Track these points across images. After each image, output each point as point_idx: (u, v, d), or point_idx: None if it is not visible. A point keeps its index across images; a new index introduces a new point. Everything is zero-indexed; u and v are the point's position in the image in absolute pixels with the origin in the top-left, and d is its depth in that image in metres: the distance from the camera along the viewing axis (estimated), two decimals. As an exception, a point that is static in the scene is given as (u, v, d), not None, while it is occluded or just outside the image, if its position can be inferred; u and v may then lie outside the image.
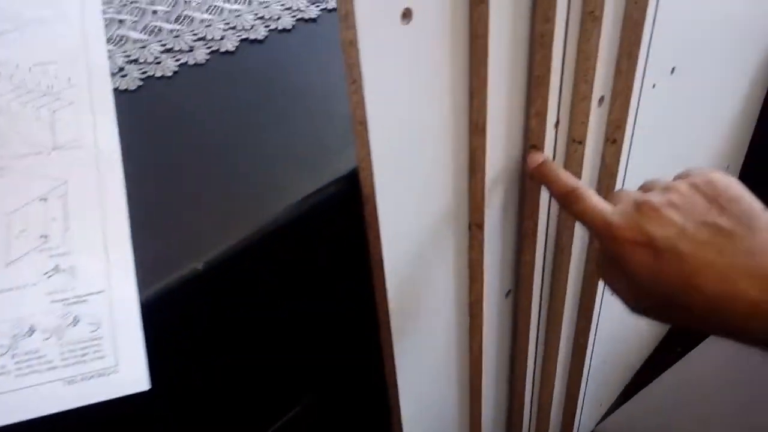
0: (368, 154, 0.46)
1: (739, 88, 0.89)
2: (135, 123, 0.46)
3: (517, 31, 0.50)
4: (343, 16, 0.39)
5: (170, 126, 0.49)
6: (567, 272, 0.71)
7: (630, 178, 0.66)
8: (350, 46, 0.41)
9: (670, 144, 0.73)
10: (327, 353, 0.60)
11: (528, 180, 0.60)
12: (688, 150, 0.81)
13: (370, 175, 0.47)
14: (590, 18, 0.50)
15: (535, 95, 0.54)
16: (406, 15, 0.42)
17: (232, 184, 0.45)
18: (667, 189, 0.38)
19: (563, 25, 0.50)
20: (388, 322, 0.58)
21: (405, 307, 0.58)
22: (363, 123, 0.45)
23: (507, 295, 0.72)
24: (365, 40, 0.41)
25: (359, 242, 0.52)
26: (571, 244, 0.68)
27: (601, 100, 0.57)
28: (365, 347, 0.60)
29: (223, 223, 0.42)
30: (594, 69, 0.54)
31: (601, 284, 0.78)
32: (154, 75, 0.53)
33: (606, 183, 0.64)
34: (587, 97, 0.56)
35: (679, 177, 0.41)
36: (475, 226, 0.61)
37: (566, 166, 0.61)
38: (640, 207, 0.38)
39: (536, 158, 0.50)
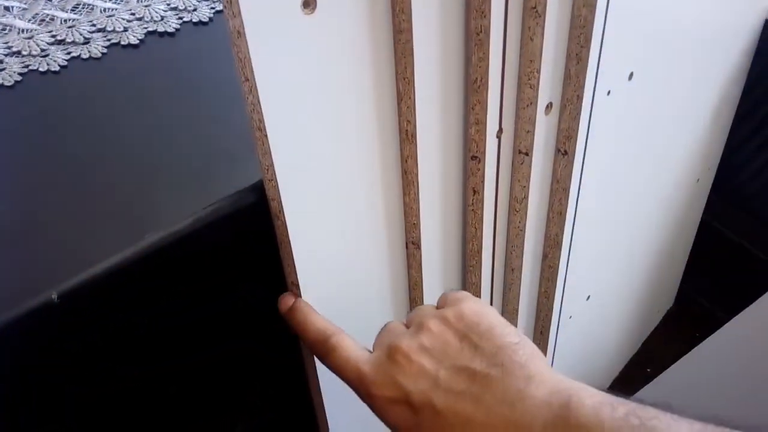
0: (271, 164, 0.40)
1: (708, 96, 0.84)
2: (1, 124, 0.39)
3: (448, 27, 0.44)
4: (226, 2, 0.33)
5: (43, 129, 0.42)
6: (518, 293, 0.65)
7: (585, 196, 0.61)
8: (238, 37, 0.35)
9: (629, 156, 0.68)
10: (248, 383, 0.53)
11: (470, 194, 0.54)
12: (651, 163, 0.76)
13: (276, 187, 0.41)
14: (532, 14, 0.45)
15: (473, 101, 0.48)
16: (309, 3, 0.36)
17: (107, 200, 0.38)
18: (419, 328, 0.36)
19: (502, 20, 0.44)
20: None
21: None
22: (261, 128, 0.38)
23: (453, 317, 0.65)
24: (256, 31, 0.34)
25: (273, 263, 0.46)
26: (521, 264, 0.62)
27: (549, 107, 0.51)
28: (291, 378, 0.54)
29: (94, 245, 0.36)
30: (539, 72, 0.48)
31: (557, 304, 0.72)
32: (38, 69, 0.46)
33: (558, 198, 0.59)
34: (533, 104, 0.50)
35: (439, 303, 0.39)
36: (411, 244, 0.55)
37: (512, 180, 0.55)
38: (392, 355, 0.35)
39: (287, 301, 0.44)
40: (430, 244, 0.56)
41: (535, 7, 0.45)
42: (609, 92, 0.55)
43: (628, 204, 0.76)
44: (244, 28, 0.34)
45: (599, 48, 0.51)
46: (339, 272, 0.50)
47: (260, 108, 0.37)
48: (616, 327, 0.99)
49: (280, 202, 0.42)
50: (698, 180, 0.96)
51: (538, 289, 0.68)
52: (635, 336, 1.17)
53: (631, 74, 0.57)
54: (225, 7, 0.33)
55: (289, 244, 0.44)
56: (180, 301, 0.42)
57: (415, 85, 0.44)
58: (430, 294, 0.60)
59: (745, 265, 1.19)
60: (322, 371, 0.53)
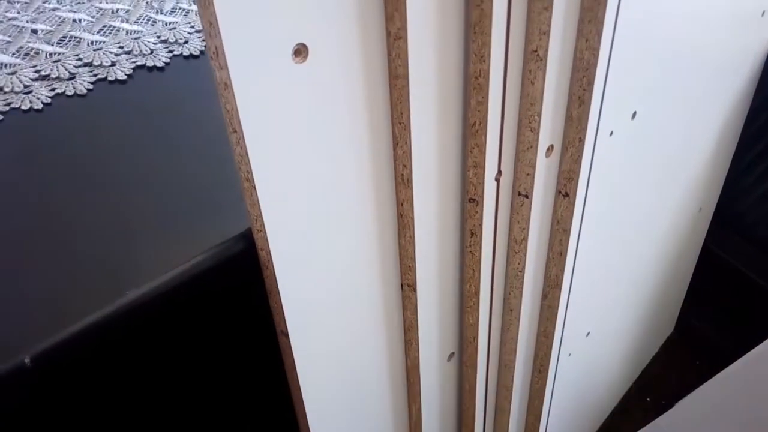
0: (260, 215, 0.38)
1: (712, 128, 0.82)
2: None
3: (445, 71, 0.42)
4: (212, 54, 0.32)
5: (20, 172, 0.41)
6: (516, 333, 0.63)
7: (585, 236, 0.59)
8: (225, 89, 0.33)
9: (632, 194, 0.67)
10: None
11: (467, 236, 0.53)
12: (654, 197, 0.75)
13: (265, 238, 0.39)
14: (533, 57, 0.43)
15: (471, 145, 0.46)
16: (300, 52, 0.35)
17: (86, 252, 0.37)
18: None
19: (501, 64, 0.43)
20: (300, 397, 0.50)
21: (320, 382, 0.50)
22: (249, 180, 0.37)
23: (449, 358, 0.64)
24: (243, 83, 0.33)
25: (263, 312, 0.44)
26: (520, 304, 0.60)
27: (550, 149, 0.50)
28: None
29: (70, 302, 0.34)
30: (540, 115, 0.46)
31: (557, 342, 0.70)
32: (20, 107, 0.45)
33: (558, 239, 0.57)
34: (533, 147, 0.48)
35: None
36: (407, 287, 0.53)
37: (511, 222, 0.54)
38: None
39: None
40: (426, 285, 0.54)
41: (536, 51, 0.43)
42: (612, 133, 0.53)
43: (630, 239, 0.75)
44: (230, 80, 0.32)
45: (602, 89, 0.50)
46: (331, 318, 0.48)
47: (248, 160, 0.36)
48: (616, 359, 0.98)
49: (269, 252, 0.40)
50: (701, 209, 0.95)
51: (537, 329, 0.66)
52: (635, 365, 1.15)
53: (635, 114, 0.56)
54: (211, 58, 0.32)
55: (278, 293, 0.43)
56: (165, 358, 0.40)
57: (411, 130, 0.43)
58: (426, 336, 0.58)
59: (747, 292, 1.18)
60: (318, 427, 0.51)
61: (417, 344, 0.57)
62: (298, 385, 0.49)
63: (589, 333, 0.77)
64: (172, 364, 0.40)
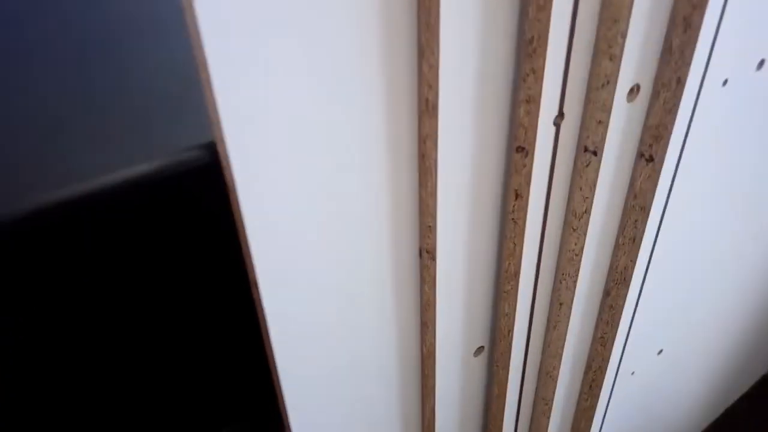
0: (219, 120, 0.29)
1: None
2: None
3: None
4: None
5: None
6: (564, 334, 0.51)
7: (670, 220, 0.46)
8: None
9: (742, 173, 0.52)
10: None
11: (510, 198, 0.41)
12: (762, 186, 0.59)
13: (227, 156, 0.30)
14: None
15: (525, 70, 0.35)
16: None
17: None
18: None
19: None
20: (277, 378, 0.41)
21: (303, 360, 0.41)
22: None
23: (477, 352, 0.52)
24: None
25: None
26: (573, 298, 0.48)
27: (635, 91, 0.38)
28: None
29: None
30: (624, 37, 0.34)
31: (617, 355, 0.57)
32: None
33: (633, 219, 0.44)
34: (610, 83, 0.36)
35: None
36: (425, 253, 0.43)
37: (572, 187, 0.42)
38: None
39: None
40: (450, 254, 0.43)
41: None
42: (726, 81, 0.40)
43: (727, 238, 0.59)
44: None
45: (718, 19, 0.36)
46: (318, 278, 0.39)
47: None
48: (693, 389, 0.82)
49: (231, 174, 0.31)
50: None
51: (592, 334, 0.53)
52: (716, 401, 0.97)
53: (762, 62, 0.42)
54: None
55: (244, 229, 0.33)
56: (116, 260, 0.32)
57: (441, 37, 0.32)
58: (447, 319, 0.48)
59: None
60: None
61: (434, 328, 0.47)
62: (274, 359, 0.40)
63: (661, 351, 0.63)
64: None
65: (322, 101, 0.32)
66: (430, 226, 0.42)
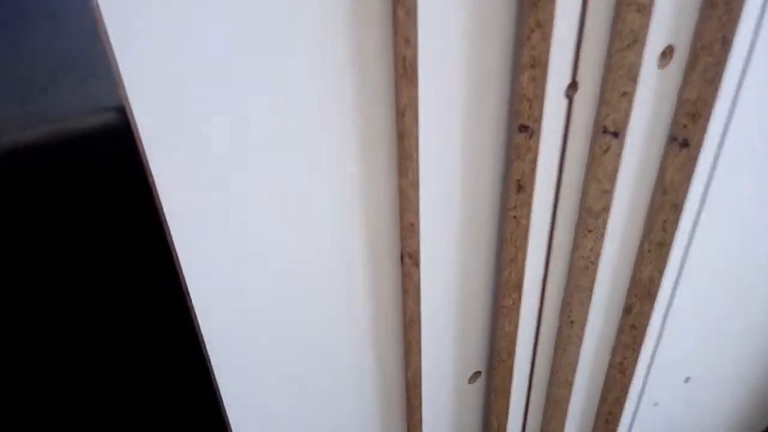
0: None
1: None
2: None
3: None
4: None
5: None
6: (576, 358, 0.43)
7: (707, 219, 0.38)
8: None
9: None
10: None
11: (511, 190, 0.34)
12: None
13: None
14: None
15: (530, 24, 0.28)
16: None
17: None
18: None
19: None
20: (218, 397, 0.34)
21: (248, 384, 0.33)
22: None
23: (473, 378, 0.44)
24: None
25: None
26: (587, 315, 0.40)
27: (668, 53, 0.30)
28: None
29: None
30: None
31: (638, 383, 0.49)
32: None
33: (662, 218, 0.36)
34: (638, 42, 0.29)
35: None
36: (407, 258, 0.35)
37: (587, 176, 0.34)
38: None
39: None
40: (437, 261, 0.36)
41: None
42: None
43: (755, 242, 0.51)
44: None
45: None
46: (269, 293, 0.31)
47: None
48: (722, 423, 0.73)
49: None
50: None
51: (610, 358, 0.45)
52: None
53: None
54: None
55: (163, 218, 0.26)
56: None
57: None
58: (435, 338, 0.40)
59: None
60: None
61: (419, 350, 0.39)
62: (218, 388, 0.32)
63: (689, 379, 0.54)
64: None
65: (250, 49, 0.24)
66: (412, 225, 0.34)
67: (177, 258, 0.28)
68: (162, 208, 0.26)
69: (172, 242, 0.27)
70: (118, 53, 0.22)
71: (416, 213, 0.33)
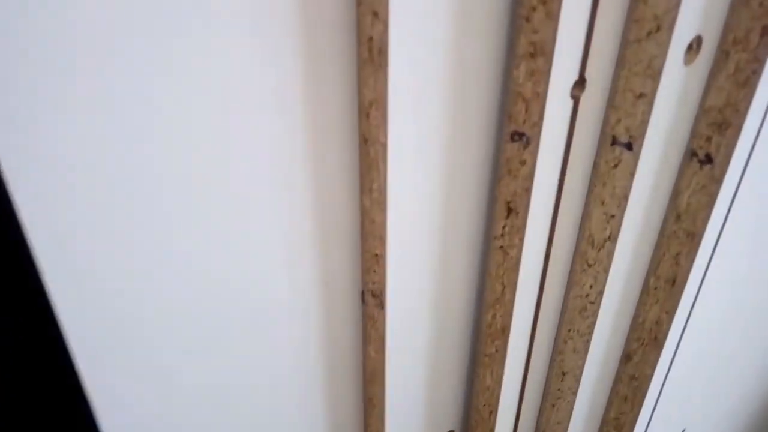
0: None
1: None
2: None
3: None
4: None
5: None
6: (569, 415, 0.36)
7: (726, 249, 0.32)
8: None
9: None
10: None
11: (500, 214, 0.27)
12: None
13: None
14: None
15: (527, 6, 0.21)
16: None
17: None
18: None
19: None
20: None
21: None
22: None
23: (444, 439, 0.37)
24: None
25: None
26: (584, 366, 0.34)
27: (694, 46, 0.25)
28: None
29: None
30: None
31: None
32: None
33: (676, 250, 0.31)
34: (661, 30, 0.23)
35: None
36: (370, 297, 0.28)
37: (590, 196, 0.28)
38: None
39: None
40: (406, 300, 0.29)
41: None
42: None
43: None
44: None
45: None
46: (200, 332, 0.24)
47: None
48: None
49: None
50: None
51: (602, 413, 0.39)
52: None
53: None
54: None
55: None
56: None
57: None
58: (403, 395, 0.32)
59: None
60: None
61: (382, 408, 0.31)
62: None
63: (684, 431, 0.48)
64: None
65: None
66: (377, 255, 0.27)
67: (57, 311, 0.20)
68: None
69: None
70: None
71: (382, 240, 0.27)
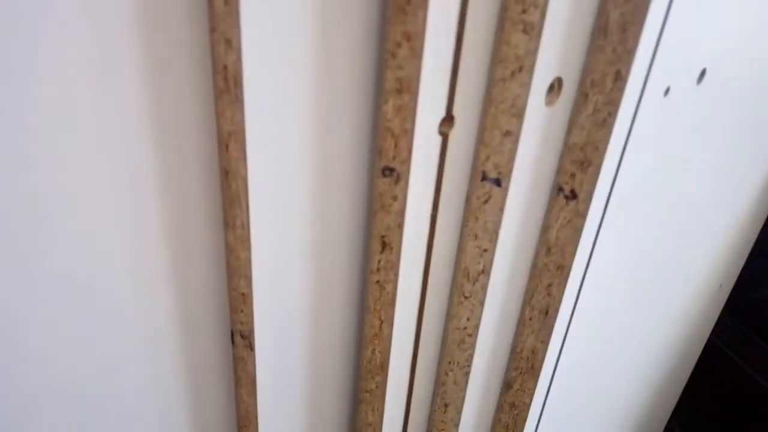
0: None
1: (737, 208, 0.59)
2: None
3: None
4: None
5: None
6: (452, 446, 0.36)
7: (593, 279, 0.33)
8: None
9: (670, 214, 0.41)
10: None
11: (374, 249, 0.26)
12: (677, 236, 0.49)
13: None
14: None
15: (393, 40, 0.21)
16: None
17: None
18: None
19: None
20: None
21: None
22: None
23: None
24: None
25: None
26: (464, 397, 0.33)
27: (556, 87, 0.25)
28: None
29: None
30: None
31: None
32: None
33: (547, 281, 0.31)
34: (522, 71, 0.23)
35: None
36: (239, 338, 0.26)
37: (463, 232, 0.28)
38: None
39: None
40: (278, 339, 0.27)
41: None
42: (668, 90, 0.28)
43: (644, 302, 0.49)
44: None
45: (667, 3, 0.25)
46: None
47: None
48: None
49: None
50: (721, 285, 0.70)
51: (487, 441, 0.39)
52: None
53: (704, 72, 0.31)
54: None
55: None
56: None
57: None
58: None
59: (749, 398, 0.93)
60: None
61: (257, 453, 0.29)
62: None
63: (566, 451, 0.49)
64: None
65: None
66: (243, 294, 0.25)
67: None
68: None
69: None
70: None
71: (248, 278, 0.25)
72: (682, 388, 0.92)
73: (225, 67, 0.20)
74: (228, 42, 0.20)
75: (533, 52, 0.23)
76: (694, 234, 0.48)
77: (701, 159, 0.38)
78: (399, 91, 0.23)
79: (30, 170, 0.19)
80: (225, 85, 0.21)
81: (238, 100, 0.21)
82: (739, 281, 0.81)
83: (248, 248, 0.24)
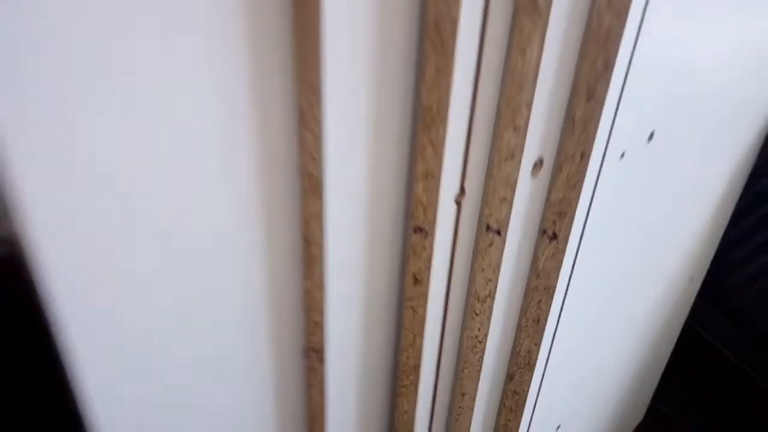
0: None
1: (708, 200, 0.68)
2: None
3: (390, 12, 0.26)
4: None
5: None
6: (469, 425, 0.45)
7: (574, 296, 0.42)
8: None
9: (633, 242, 0.50)
10: None
11: (409, 284, 0.35)
12: (649, 252, 0.59)
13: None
14: (528, 8, 0.27)
15: (423, 141, 0.30)
16: None
17: None
18: None
19: (480, 14, 0.27)
20: None
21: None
22: None
23: (371, 456, 0.45)
24: None
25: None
26: (477, 387, 0.42)
27: (539, 165, 0.34)
28: None
29: None
30: (530, 108, 0.30)
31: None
32: None
33: (537, 299, 0.40)
34: (515, 157, 0.32)
35: None
36: (312, 353, 0.35)
37: (474, 268, 0.37)
38: None
39: None
40: (340, 353, 0.36)
41: (536, 2, 0.27)
42: (623, 155, 0.37)
43: (619, 307, 0.58)
44: None
45: (618, 93, 0.34)
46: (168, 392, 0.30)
47: None
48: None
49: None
50: (691, 278, 0.80)
51: (495, 421, 0.48)
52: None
53: (652, 134, 0.40)
54: None
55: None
56: None
57: (325, 99, 0.26)
58: (339, 428, 0.40)
59: (726, 378, 1.03)
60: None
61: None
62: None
63: (559, 426, 0.59)
64: None
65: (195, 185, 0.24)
66: (317, 322, 0.35)
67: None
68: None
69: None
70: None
71: (321, 312, 0.34)
72: (662, 371, 1.02)
73: (310, 173, 0.29)
74: (313, 158, 0.29)
75: (521, 145, 0.32)
76: (662, 244, 0.57)
77: (660, 194, 0.47)
78: (426, 177, 0.32)
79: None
80: (309, 185, 0.30)
81: (318, 196, 0.30)
82: (710, 273, 0.90)
83: (322, 292, 0.33)
